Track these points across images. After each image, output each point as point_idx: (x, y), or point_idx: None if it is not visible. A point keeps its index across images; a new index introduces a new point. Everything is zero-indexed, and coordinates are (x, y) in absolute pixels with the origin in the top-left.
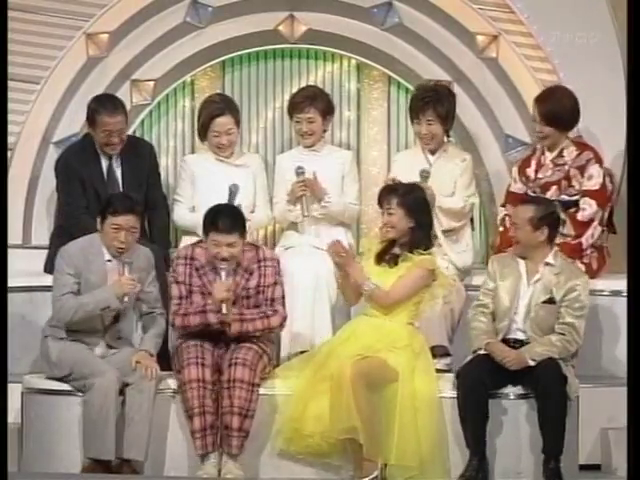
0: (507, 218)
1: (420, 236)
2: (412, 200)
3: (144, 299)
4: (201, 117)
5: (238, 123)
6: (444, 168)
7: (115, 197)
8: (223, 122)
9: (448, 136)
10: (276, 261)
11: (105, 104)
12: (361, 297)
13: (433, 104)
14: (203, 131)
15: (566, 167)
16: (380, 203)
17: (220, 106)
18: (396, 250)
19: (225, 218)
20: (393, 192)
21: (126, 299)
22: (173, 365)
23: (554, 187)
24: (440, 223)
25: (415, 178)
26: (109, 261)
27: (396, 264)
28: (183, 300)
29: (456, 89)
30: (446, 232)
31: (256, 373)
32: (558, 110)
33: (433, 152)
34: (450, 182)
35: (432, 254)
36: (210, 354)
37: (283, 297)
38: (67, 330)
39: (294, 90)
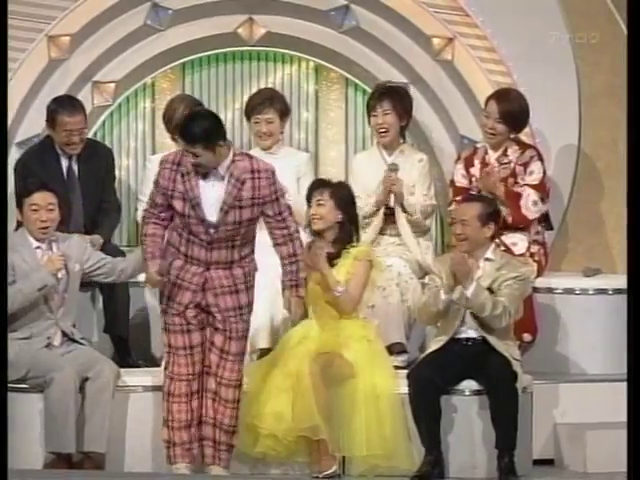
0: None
1: (350, 230)
2: (343, 194)
3: (96, 274)
4: (175, 111)
5: None
6: (402, 168)
7: (28, 183)
8: None
9: (403, 136)
10: (270, 172)
11: (64, 105)
12: (303, 312)
13: (390, 95)
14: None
15: (512, 165)
16: (309, 196)
17: (194, 100)
18: (329, 248)
19: (191, 128)
20: (325, 185)
21: (60, 275)
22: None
23: (500, 184)
24: (403, 223)
25: (374, 178)
26: (38, 248)
27: (334, 263)
28: (159, 208)
29: (412, 91)
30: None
31: (242, 389)
32: (515, 110)
33: (390, 152)
34: (408, 182)
35: (365, 245)
36: (198, 342)
37: (289, 207)
38: (22, 327)
39: (253, 92)
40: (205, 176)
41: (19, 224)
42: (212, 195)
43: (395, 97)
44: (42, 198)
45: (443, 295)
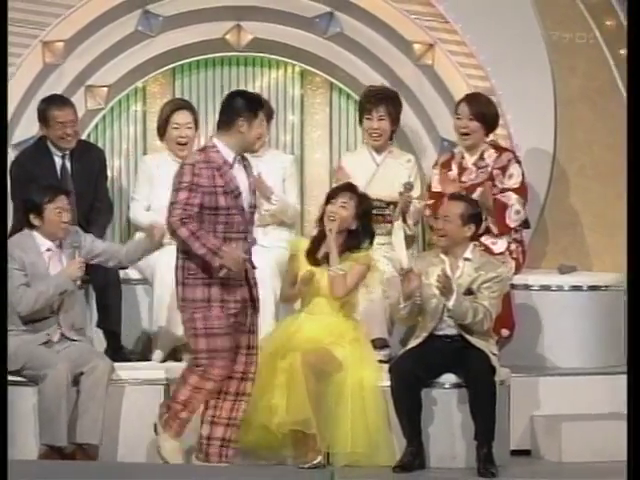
0: (428, 218)
1: (356, 240)
2: (366, 206)
3: (97, 261)
4: (163, 112)
5: (196, 123)
6: (390, 168)
7: (42, 189)
8: (184, 115)
9: (391, 138)
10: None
11: (53, 100)
12: (297, 299)
13: (386, 101)
14: (163, 125)
15: (489, 169)
16: (334, 195)
17: (182, 102)
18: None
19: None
20: (354, 192)
21: (79, 281)
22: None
23: (479, 189)
24: (399, 232)
25: (362, 177)
26: (48, 250)
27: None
28: (195, 208)
29: None
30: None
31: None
32: (485, 110)
33: (379, 153)
34: (397, 182)
35: (368, 250)
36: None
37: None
38: (27, 322)
39: None
40: (231, 166)
41: (29, 226)
42: (243, 183)
43: (390, 103)
44: (62, 201)
45: (402, 304)
